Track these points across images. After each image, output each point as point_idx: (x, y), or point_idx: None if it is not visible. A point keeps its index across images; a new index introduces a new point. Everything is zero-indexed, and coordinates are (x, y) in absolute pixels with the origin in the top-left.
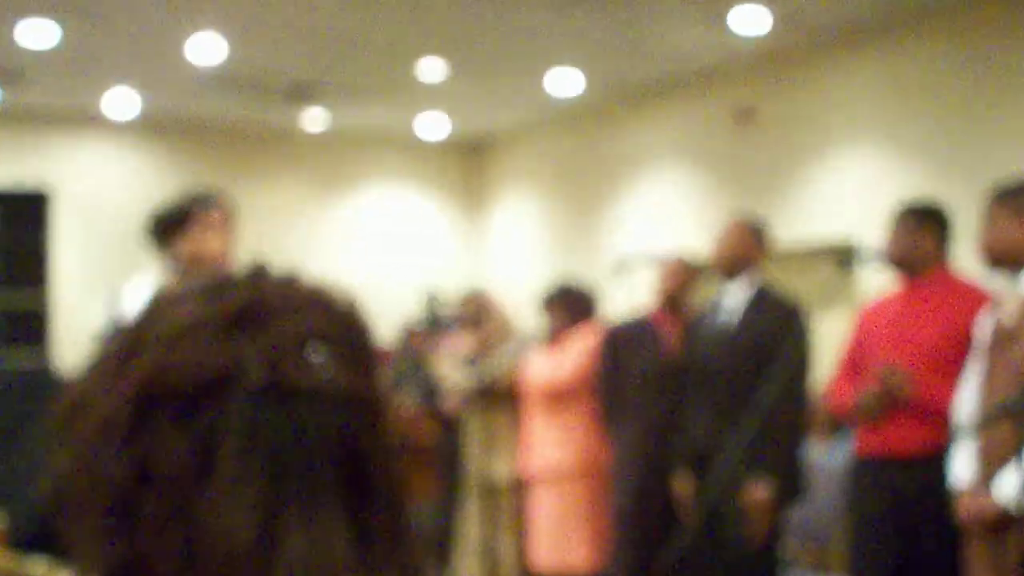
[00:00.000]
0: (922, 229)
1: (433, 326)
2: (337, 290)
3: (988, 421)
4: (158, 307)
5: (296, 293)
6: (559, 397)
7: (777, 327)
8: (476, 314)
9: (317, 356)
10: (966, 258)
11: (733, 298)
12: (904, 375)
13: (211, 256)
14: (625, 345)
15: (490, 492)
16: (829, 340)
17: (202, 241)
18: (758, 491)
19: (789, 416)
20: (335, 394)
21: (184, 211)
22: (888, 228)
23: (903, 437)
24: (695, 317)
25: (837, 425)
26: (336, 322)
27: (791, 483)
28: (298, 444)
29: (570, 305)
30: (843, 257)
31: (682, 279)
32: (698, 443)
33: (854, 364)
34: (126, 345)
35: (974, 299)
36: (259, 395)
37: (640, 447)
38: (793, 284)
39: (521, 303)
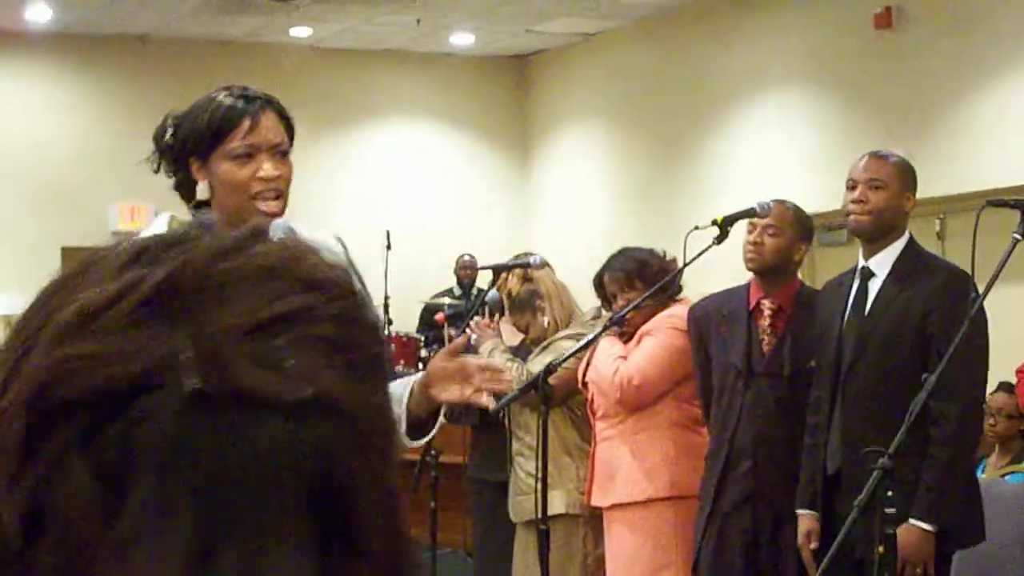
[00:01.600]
0: None
1: (466, 306)
2: (317, 255)
3: None
4: (56, 288)
5: (250, 262)
6: (638, 403)
7: (937, 305)
8: (526, 292)
9: (273, 350)
10: None
11: (874, 267)
12: None
13: (263, 191)
14: (709, 331)
15: (544, 530)
16: (1009, 321)
17: (247, 168)
18: (916, 536)
19: (959, 428)
20: (298, 402)
21: (230, 118)
22: None
23: None
24: (816, 293)
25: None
26: (310, 303)
27: (962, 523)
28: (241, 470)
29: (649, 281)
30: None
31: (786, 236)
32: (828, 467)
33: None
34: (16, 343)
35: None
36: (188, 404)
37: (731, 467)
38: (954, 248)
39: (581, 276)
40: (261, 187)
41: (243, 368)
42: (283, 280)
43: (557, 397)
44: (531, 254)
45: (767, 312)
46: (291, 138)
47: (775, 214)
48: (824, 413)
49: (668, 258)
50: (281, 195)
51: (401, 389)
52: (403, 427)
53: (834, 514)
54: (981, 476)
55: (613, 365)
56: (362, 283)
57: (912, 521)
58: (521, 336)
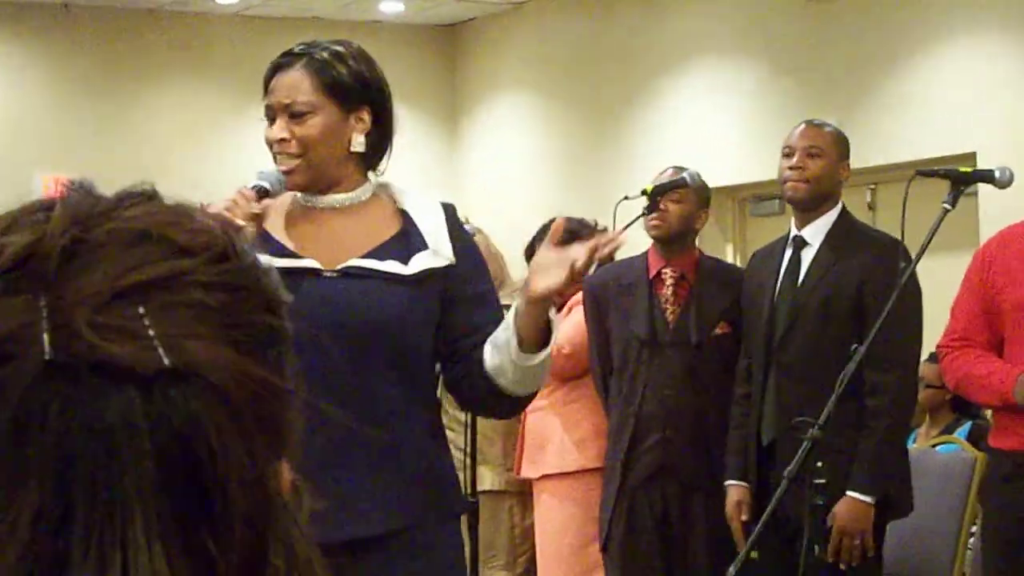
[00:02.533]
0: None
1: None
2: (201, 218)
3: None
4: None
5: (119, 227)
6: (569, 373)
7: (872, 275)
8: None
9: (133, 319)
10: None
11: (808, 236)
12: None
13: (275, 153)
14: (607, 302)
15: (472, 503)
16: (940, 292)
17: (268, 131)
18: (854, 508)
19: (895, 398)
20: (158, 372)
21: (265, 79)
22: None
23: None
24: (715, 262)
25: (954, 407)
26: (180, 268)
27: (896, 495)
28: (92, 441)
29: None
30: (960, 178)
31: (689, 204)
32: (762, 438)
33: (986, 323)
34: None
35: None
36: (42, 374)
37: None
38: (884, 219)
39: (511, 247)
40: (275, 149)
41: (98, 337)
42: (153, 245)
43: None
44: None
45: (669, 281)
46: (337, 90)
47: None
48: (757, 383)
49: (599, 228)
50: (300, 155)
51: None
52: (513, 346)
53: (767, 486)
54: (912, 446)
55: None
56: (468, 253)
57: (850, 493)
58: None
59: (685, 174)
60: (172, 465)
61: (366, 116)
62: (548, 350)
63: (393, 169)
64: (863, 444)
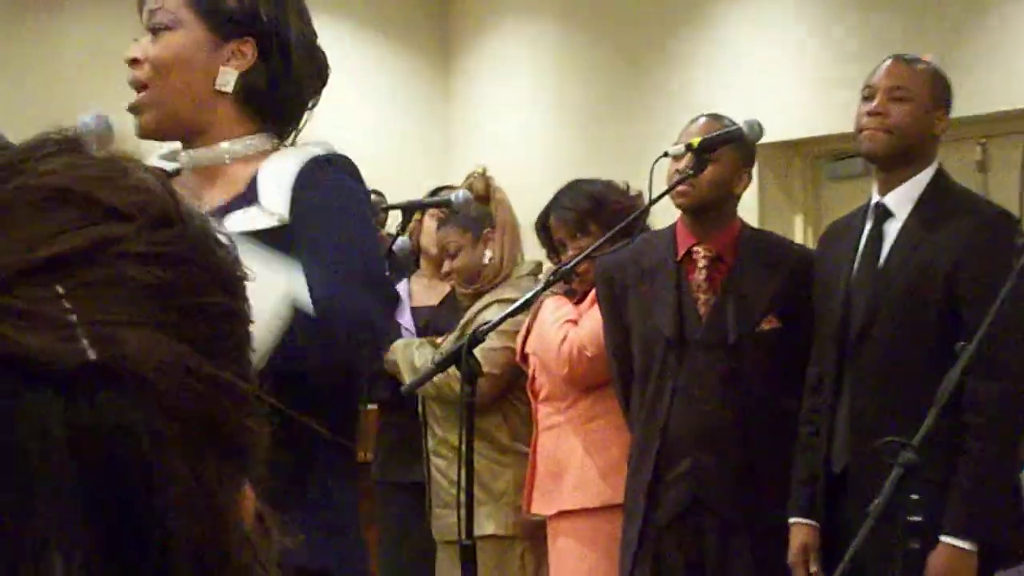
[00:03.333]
0: None
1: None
2: (135, 170)
3: None
4: None
5: (30, 184)
6: (592, 381)
7: (972, 254)
8: (478, 211)
9: (50, 301)
10: None
11: (892, 205)
12: None
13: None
14: (625, 290)
15: (468, 547)
16: None
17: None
18: (950, 557)
19: (1002, 415)
20: (81, 368)
21: None
22: None
23: None
24: (761, 235)
25: None
26: (111, 236)
27: (1004, 539)
28: (2, 460)
29: (607, 223)
30: None
31: (724, 164)
32: (829, 463)
33: None
34: None
35: None
36: None
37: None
38: (999, 183)
39: (520, 216)
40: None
41: (5, 326)
42: (75, 206)
43: (488, 390)
44: (452, 188)
45: (702, 263)
46: (209, 7)
47: (706, 132)
48: (828, 395)
49: (632, 193)
50: (146, 85)
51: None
52: None
53: (838, 525)
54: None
55: (561, 331)
56: (314, 212)
57: (945, 539)
58: (441, 293)
59: (743, 123)
60: (100, 489)
61: (248, 50)
62: None
63: (369, 119)
64: (961, 474)
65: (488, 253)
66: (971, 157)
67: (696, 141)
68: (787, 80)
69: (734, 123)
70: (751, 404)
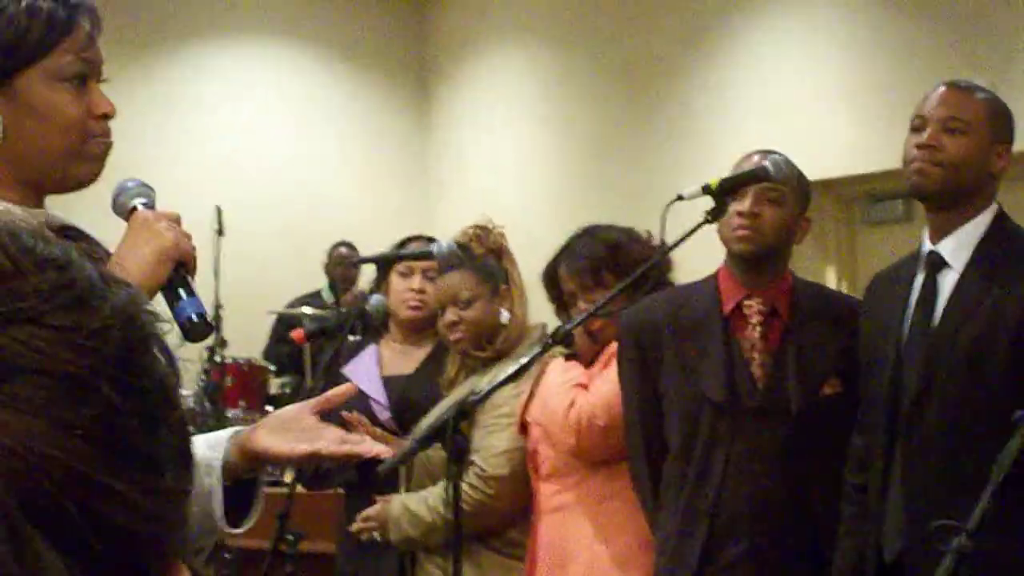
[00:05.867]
0: None
1: (337, 318)
2: None
3: None
4: None
5: None
6: (604, 454)
7: None
8: (494, 264)
9: None
10: None
11: (947, 253)
12: None
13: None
14: (660, 350)
15: None
16: None
17: (82, 99)
18: None
19: None
20: None
21: (61, 19)
22: None
23: None
24: (816, 289)
25: None
26: None
27: None
28: None
29: (625, 274)
30: None
31: (788, 206)
32: (884, 551)
33: None
34: None
35: None
36: None
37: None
38: None
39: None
40: (100, 128)
41: None
42: None
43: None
44: (432, 239)
45: (755, 319)
46: None
47: (777, 172)
48: (878, 471)
49: (654, 243)
50: None
51: (210, 451)
52: (217, 504)
53: None
54: None
55: (568, 396)
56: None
57: None
58: (416, 360)
59: (767, 161)
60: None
61: None
62: (255, 515)
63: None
64: None
65: (505, 313)
66: None
67: (715, 182)
68: (817, 110)
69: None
70: (814, 479)
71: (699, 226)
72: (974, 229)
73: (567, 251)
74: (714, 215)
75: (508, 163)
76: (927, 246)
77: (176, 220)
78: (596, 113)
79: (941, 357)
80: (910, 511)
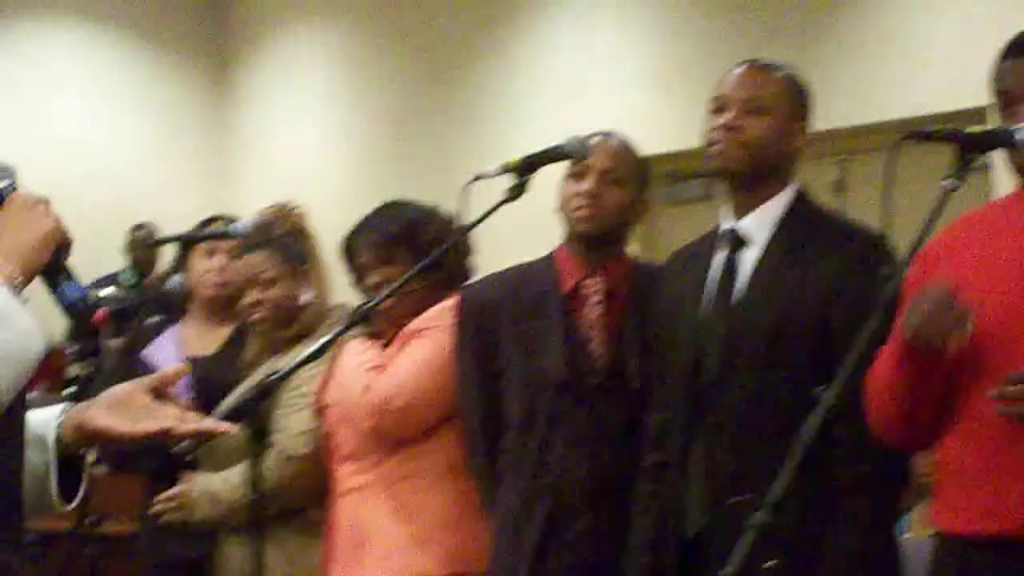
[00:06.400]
0: None
1: (136, 299)
2: None
3: None
4: None
5: None
6: (401, 435)
7: (840, 285)
8: (298, 246)
9: None
10: None
11: (748, 230)
12: None
13: None
14: (498, 329)
15: None
16: None
17: None
18: None
19: (873, 468)
20: None
21: None
22: (1013, 80)
23: None
24: (657, 270)
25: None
26: None
27: None
28: None
29: (421, 253)
30: (969, 142)
31: (629, 187)
32: (686, 521)
33: None
34: None
35: None
36: None
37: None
38: (859, 203)
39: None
40: None
41: None
42: None
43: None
44: (232, 219)
45: (595, 298)
46: None
47: (612, 154)
48: (676, 447)
49: (447, 219)
50: None
51: (40, 429)
52: (52, 481)
53: None
54: (905, 537)
55: (364, 378)
56: None
57: None
58: (218, 340)
59: (566, 140)
60: None
61: None
62: (82, 492)
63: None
64: (833, 535)
65: (306, 293)
66: (828, 176)
67: (515, 161)
68: (617, 90)
69: None
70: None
71: (499, 205)
72: (775, 207)
73: (364, 223)
74: (514, 194)
75: (309, 144)
76: (727, 223)
77: (48, 203)
78: (397, 94)
79: (742, 333)
80: (711, 487)
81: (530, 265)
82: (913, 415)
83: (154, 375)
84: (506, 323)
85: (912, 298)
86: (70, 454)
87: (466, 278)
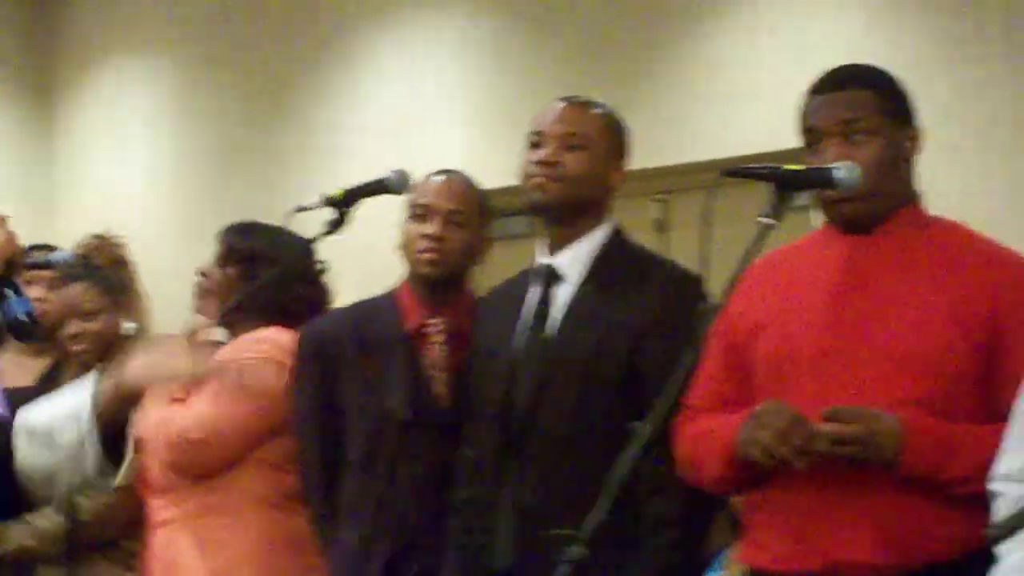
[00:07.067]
0: (894, 123)
1: None
2: None
3: None
4: None
5: None
6: (201, 468)
7: (652, 323)
8: (119, 277)
9: None
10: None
11: (563, 266)
12: (861, 419)
13: None
14: (339, 362)
15: None
16: None
17: None
18: None
19: (683, 504)
20: None
21: None
22: (821, 116)
23: (869, 539)
24: (490, 309)
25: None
26: None
27: None
28: None
29: (241, 277)
30: (786, 180)
31: (473, 227)
32: (495, 559)
33: (732, 381)
34: None
35: (1000, 263)
36: None
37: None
38: (687, 241)
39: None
40: None
41: None
42: None
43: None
44: (54, 249)
45: (439, 338)
46: None
47: (456, 195)
48: (488, 480)
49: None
50: None
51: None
52: (92, 455)
53: None
54: (721, 574)
55: (165, 411)
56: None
57: None
58: (35, 370)
59: (390, 173)
60: None
61: None
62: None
63: None
64: (640, 571)
65: (128, 323)
66: (650, 214)
67: (338, 193)
68: (441, 124)
69: None
70: None
71: (319, 237)
72: (590, 243)
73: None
74: (335, 226)
75: (131, 176)
76: (542, 259)
77: (3, 219)
78: (221, 128)
79: (554, 368)
80: (521, 522)
81: (372, 302)
82: (730, 484)
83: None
84: (348, 361)
85: (752, 413)
86: None
87: (303, 311)
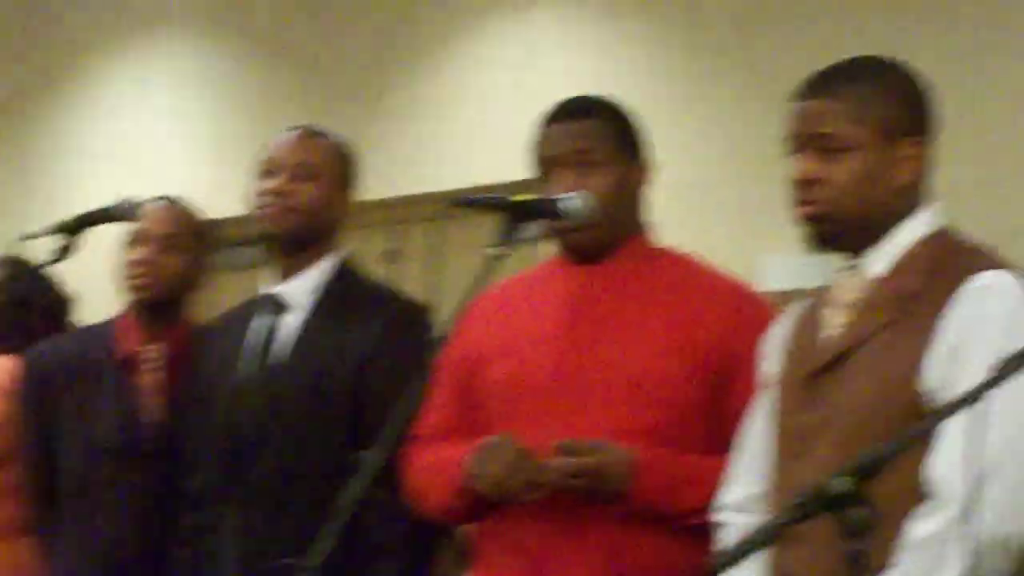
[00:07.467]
0: (624, 154)
1: None
2: None
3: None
4: None
5: None
6: None
7: (375, 352)
8: None
9: None
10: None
11: (290, 296)
12: (591, 451)
13: None
14: (56, 388)
15: None
16: None
17: None
18: None
19: (407, 533)
20: None
21: None
22: (554, 145)
23: (600, 571)
24: (202, 333)
25: None
26: None
27: None
28: None
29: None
30: (515, 210)
31: (190, 253)
32: None
33: (460, 411)
34: None
35: (728, 294)
36: None
37: None
38: (414, 274)
39: None
40: None
41: None
42: None
43: None
44: None
45: (151, 364)
46: None
47: (170, 220)
48: (212, 510)
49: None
50: None
51: None
52: None
53: None
54: None
55: None
56: None
57: None
58: None
59: (118, 201)
60: None
61: None
62: None
63: None
64: None
65: None
66: (380, 245)
67: (67, 220)
68: (173, 156)
69: None
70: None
71: (47, 264)
72: (319, 273)
73: None
74: (61, 255)
75: None
76: (267, 289)
77: None
78: None
79: (279, 397)
80: (245, 550)
81: (91, 329)
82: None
83: None
84: (62, 387)
85: (479, 446)
86: None
87: (29, 338)
